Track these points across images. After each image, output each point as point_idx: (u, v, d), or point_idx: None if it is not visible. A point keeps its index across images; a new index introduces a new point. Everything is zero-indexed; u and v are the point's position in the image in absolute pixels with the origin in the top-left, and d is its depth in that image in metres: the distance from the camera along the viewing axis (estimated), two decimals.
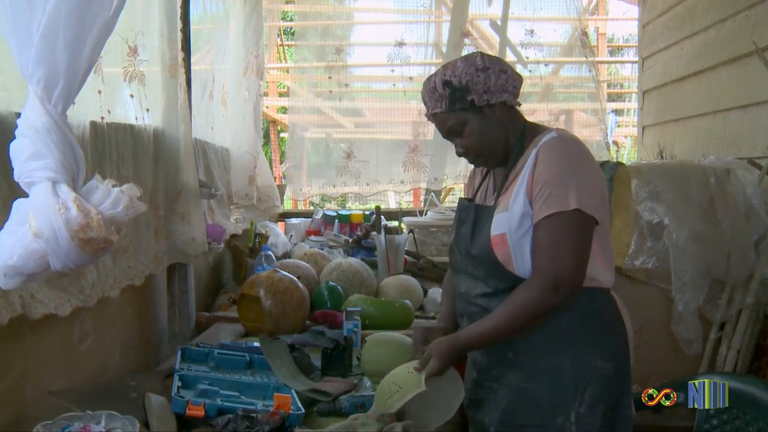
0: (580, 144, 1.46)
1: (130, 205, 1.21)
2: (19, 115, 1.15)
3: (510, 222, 1.41)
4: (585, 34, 3.89)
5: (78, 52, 1.13)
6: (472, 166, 1.66)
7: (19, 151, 1.13)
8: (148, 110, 1.97)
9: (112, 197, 1.19)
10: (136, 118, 1.94)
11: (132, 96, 1.90)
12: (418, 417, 1.44)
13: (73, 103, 1.27)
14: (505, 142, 1.49)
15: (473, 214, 1.52)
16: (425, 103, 1.51)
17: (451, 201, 4.50)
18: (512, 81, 1.46)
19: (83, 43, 1.14)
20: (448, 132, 1.50)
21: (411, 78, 3.88)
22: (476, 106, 1.44)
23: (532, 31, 3.84)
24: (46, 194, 1.12)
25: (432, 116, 1.50)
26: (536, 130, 1.50)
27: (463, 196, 1.72)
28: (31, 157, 1.12)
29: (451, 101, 1.44)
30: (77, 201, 1.14)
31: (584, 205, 1.35)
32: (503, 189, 1.47)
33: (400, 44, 3.82)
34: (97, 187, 1.20)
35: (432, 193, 3.92)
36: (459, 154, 1.54)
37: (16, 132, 1.14)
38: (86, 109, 1.60)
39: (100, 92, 1.70)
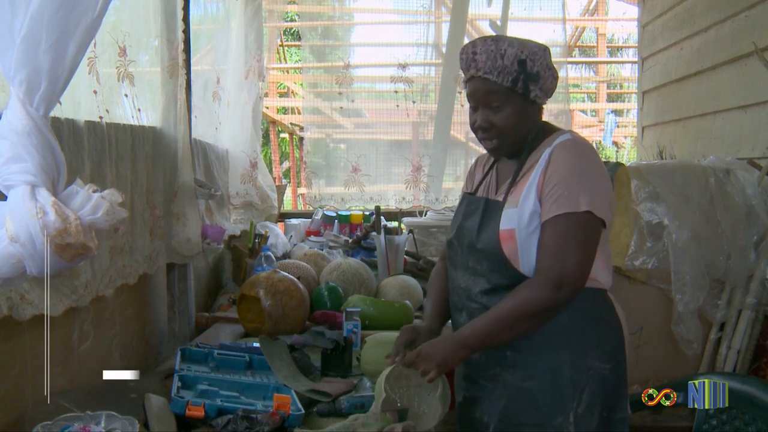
0: (592, 148, 1.48)
1: (110, 211, 1.18)
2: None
3: (520, 218, 1.41)
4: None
5: (61, 55, 1.11)
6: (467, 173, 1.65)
7: None
8: (139, 110, 1.97)
9: (92, 203, 1.17)
10: (132, 118, 1.94)
11: (126, 96, 1.91)
12: (418, 416, 1.44)
13: (60, 103, 1.24)
14: (525, 137, 1.49)
15: (482, 208, 1.51)
16: (471, 63, 1.42)
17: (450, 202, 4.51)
18: (554, 89, 1.48)
19: (67, 46, 1.12)
20: (484, 100, 1.44)
21: (411, 80, 3.88)
22: (528, 98, 1.43)
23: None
24: (24, 198, 1.10)
25: (477, 78, 1.43)
26: (550, 129, 1.51)
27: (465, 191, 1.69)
28: (10, 159, 1.10)
29: (515, 80, 1.40)
30: (56, 205, 1.11)
31: (595, 208, 1.36)
32: (513, 184, 1.47)
33: (403, 66, 3.85)
34: (77, 192, 1.17)
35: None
36: (474, 126, 1.49)
37: None
38: (84, 109, 1.60)
39: (95, 92, 1.70)
